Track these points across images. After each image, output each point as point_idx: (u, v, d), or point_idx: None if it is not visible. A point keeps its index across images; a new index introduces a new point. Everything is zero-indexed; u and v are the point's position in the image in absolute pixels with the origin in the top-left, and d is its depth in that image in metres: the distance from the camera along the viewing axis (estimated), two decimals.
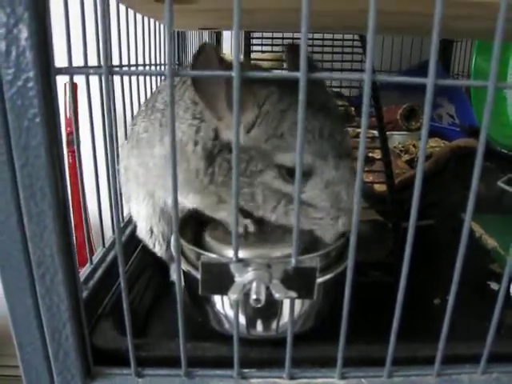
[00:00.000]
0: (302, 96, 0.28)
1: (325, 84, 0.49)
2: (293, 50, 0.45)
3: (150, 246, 0.57)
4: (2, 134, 0.29)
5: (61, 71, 0.30)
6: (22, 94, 0.29)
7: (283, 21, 0.49)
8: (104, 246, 0.54)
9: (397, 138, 1.13)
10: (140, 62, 0.61)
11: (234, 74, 0.27)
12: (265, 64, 0.96)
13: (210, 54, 0.36)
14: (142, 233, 0.57)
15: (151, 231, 0.56)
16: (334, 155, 0.41)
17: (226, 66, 0.36)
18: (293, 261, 0.32)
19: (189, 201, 0.47)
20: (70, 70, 0.31)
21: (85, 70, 0.33)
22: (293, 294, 0.32)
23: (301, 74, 0.28)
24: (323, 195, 0.41)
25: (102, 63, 0.35)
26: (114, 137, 0.34)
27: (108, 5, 0.27)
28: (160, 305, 0.54)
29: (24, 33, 0.27)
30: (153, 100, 0.51)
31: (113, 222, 0.57)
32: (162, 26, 0.71)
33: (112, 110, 0.30)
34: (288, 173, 0.41)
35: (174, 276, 0.58)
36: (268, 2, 0.33)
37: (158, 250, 0.57)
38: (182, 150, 0.43)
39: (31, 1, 0.27)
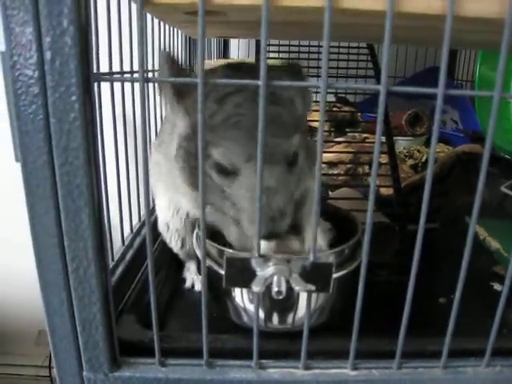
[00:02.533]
0: (322, 105, 0.30)
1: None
2: (296, 68, 0.43)
3: (167, 241, 0.59)
4: (44, 136, 0.32)
5: (100, 78, 0.32)
6: (63, 99, 0.31)
7: (301, 33, 0.51)
8: (123, 243, 0.56)
9: (402, 143, 1.15)
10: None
11: (260, 82, 0.30)
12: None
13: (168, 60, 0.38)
14: (161, 226, 0.58)
15: (167, 226, 0.58)
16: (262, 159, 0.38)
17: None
18: (311, 256, 0.34)
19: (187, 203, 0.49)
20: (109, 77, 0.33)
21: (122, 77, 0.35)
22: (311, 286, 0.35)
23: (321, 84, 0.30)
24: (244, 198, 0.39)
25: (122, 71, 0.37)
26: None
27: (142, 14, 0.30)
28: (177, 300, 0.56)
29: (68, 43, 0.30)
30: None
31: (131, 221, 0.59)
32: (174, 31, 0.73)
33: (145, 116, 0.32)
34: (218, 167, 0.40)
35: (185, 274, 0.61)
36: (290, 16, 0.35)
37: (174, 245, 0.58)
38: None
39: (76, 14, 0.29)
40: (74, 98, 0.31)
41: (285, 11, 0.31)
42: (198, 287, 0.58)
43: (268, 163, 0.37)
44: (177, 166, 0.45)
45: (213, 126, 0.39)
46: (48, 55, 0.30)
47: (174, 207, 0.56)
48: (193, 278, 0.59)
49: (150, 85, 0.63)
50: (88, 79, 0.31)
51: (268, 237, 0.38)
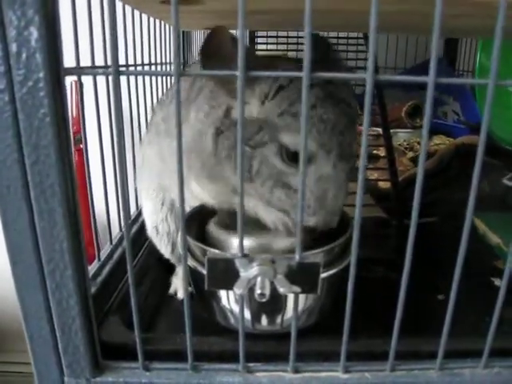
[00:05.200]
0: (305, 94, 0.29)
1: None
2: (323, 44, 0.44)
3: (157, 246, 0.57)
4: (13, 134, 0.30)
5: (70, 72, 0.30)
6: (32, 94, 0.29)
7: (287, 21, 0.49)
8: (111, 242, 0.55)
9: (401, 136, 1.13)
10: (146, 61, 0.62)
11: (238, 73, 0.28)
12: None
13: (222, 35, 0.36)
14: (149, 231, 0.57)
15: (156, 230, 0.56)
16: (337, 154, 0.40)
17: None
18: (297, 256, 0.33)
19: (206, 190, 0.47)
20: (79, 71, 0.32)
21: (93, 70, 0.34)
22: (297, 288, 0.33)
23: (304, 74, 0.28)
24: (313, 186, 0.40)
25: (109, 63, 0.35)
26: (122, 136, 0.34)
27: (115, 5, 0.28)
28: (166, 302, 0.55)
29: (34, 35, 0.28)
30: (172, 90, 0.50)
31: (119, 219, 0.58)
32: (167, 26, 0.72)
33: (119, 110, 0.30)
34: (288, 154, 0.40)
35: (172, 279, 0.59)
36: (271, 3, 0.33)
37: (164, 250, 0.56)
38: (200, 139, 0.43)
39: (41, 3, 0.28)
40: (42, 93, 0.29)
41: None
42: (180, 295, 0.56)
43: (344, 160, 0.40)
44: (208, 157, 0.43)
45: (294, 112, 0.39)
46: (13, 48, 0.28)
47: (167, 208, 0.54)
48: (177, 285, 0.57)
49: (147, 79, 0.62)
50: (58, 73, 0.30)
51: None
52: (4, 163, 0.31)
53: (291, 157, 0.40)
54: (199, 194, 0.48)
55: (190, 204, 0.49)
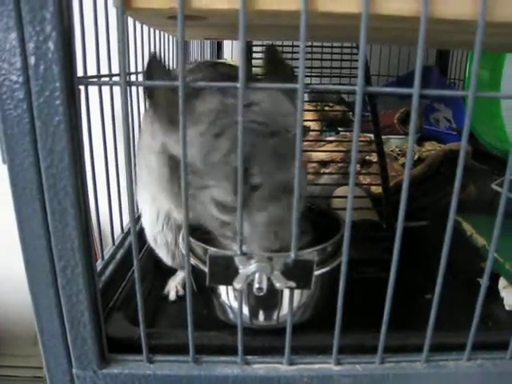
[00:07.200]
0: (300, 106, 0.31)
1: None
2: (271, 51, 0.44)
3: (158, 254, 0.58)
4: (30, 139, 0.33)
5: (83, 82, 0.33)
6: (48, 103, 0.32)
7: (284, 34, 0.52)
8: (114, 243, 0.57)
9: (393, 142, 1.16)
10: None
11: (239, 85, 0.31)
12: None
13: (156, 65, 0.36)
14: (149, 239, 0.58)
15: (155, 241, 0.56)
16: (260, 198, 0.38)
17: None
18: (292, 254, 0.35)
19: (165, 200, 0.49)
20: (91, 81, 0.34)
21: (105, 80, 0.36)
22: (292, 283, 0.35)
23: (299, 86, 0.31)
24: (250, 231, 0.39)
25: (114, 72, 0.38)
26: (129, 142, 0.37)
27: (123, 20, 0.30)
28: (166, 300, 0.57)
29: (51, 48, 0.30)
30: None
31: (121, 220, 0.60)
32: (163, 35, 0.74)
33: (127, 118, 0.33)
34: (217, 203, 0.39)
35: (168, 281, 0.60)
36: (269, 19, 0.36)
37: (165, 259, 0.58)
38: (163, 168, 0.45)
39: (59, 19, 0.30)
40: (58, 101, 0.32)
41: (262, 15, 0.32)
42: (172, 297, 0.57)
43: (273, 200, 0.38)
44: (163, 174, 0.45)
45: (211, 163, 0.38)
46: (32, 60, 0.31)
47: (162, 219, 0.55)
48: (171, 287, 0.58)
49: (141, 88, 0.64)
50: (72, 83, 0.32)
51: None
52: (21, 166, 0.33)
53: (221, 205, 0.39)
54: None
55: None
